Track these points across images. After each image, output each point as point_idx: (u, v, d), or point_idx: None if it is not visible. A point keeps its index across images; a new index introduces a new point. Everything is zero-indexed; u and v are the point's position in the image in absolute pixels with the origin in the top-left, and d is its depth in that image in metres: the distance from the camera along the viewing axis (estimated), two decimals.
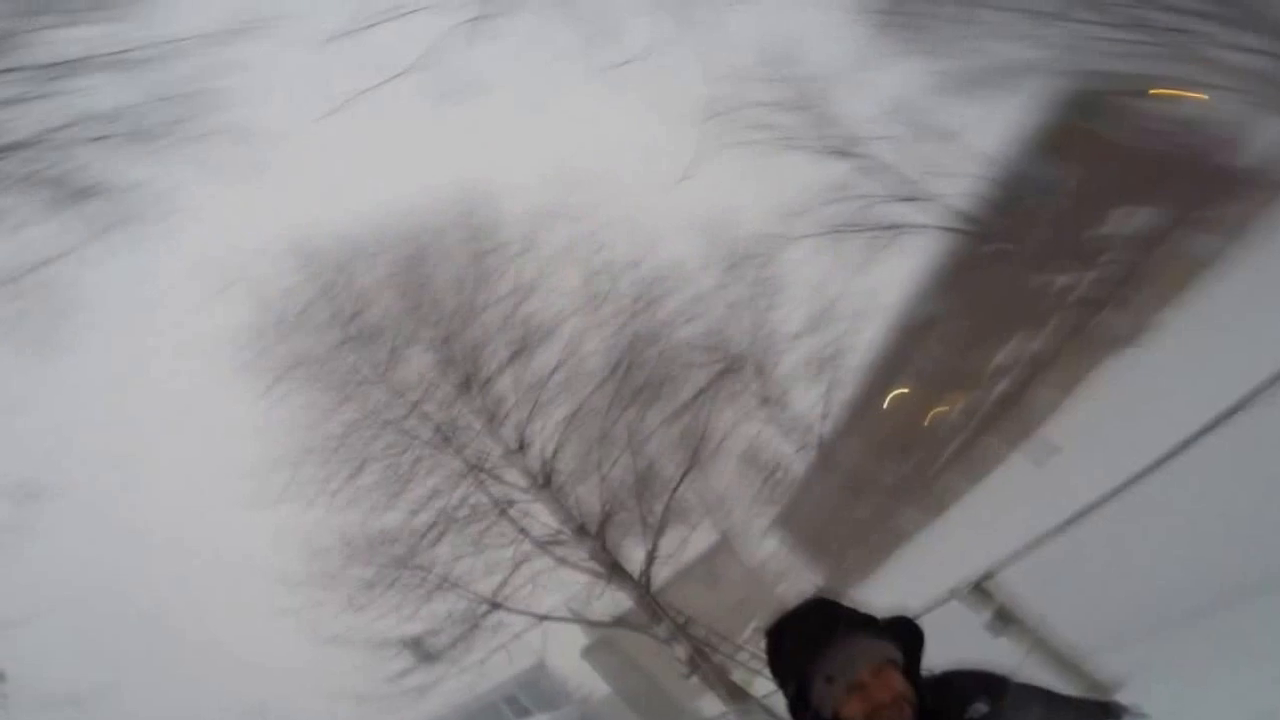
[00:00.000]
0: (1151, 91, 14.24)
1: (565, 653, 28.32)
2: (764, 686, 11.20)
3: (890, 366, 20.61)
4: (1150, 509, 3.94)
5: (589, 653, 26.28)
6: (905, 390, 20.84)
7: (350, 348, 12.52)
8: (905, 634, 1.20)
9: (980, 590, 4.60)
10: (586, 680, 30.45)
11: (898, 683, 1.11)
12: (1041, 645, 4.06)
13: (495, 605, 12.38)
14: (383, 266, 12.90)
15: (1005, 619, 4.18)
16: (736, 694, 11.57)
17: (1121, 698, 1.31)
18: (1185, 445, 3.54)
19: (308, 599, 11.67)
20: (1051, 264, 17.71)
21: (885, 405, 21.41)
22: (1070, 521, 4.33)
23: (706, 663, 12.07)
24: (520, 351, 12.86)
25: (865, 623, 1.17)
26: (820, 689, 1.11)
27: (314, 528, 12.00)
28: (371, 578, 11.96)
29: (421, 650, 12.36)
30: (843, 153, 19.32)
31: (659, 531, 13.40)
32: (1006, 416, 16.34)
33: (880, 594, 16.74)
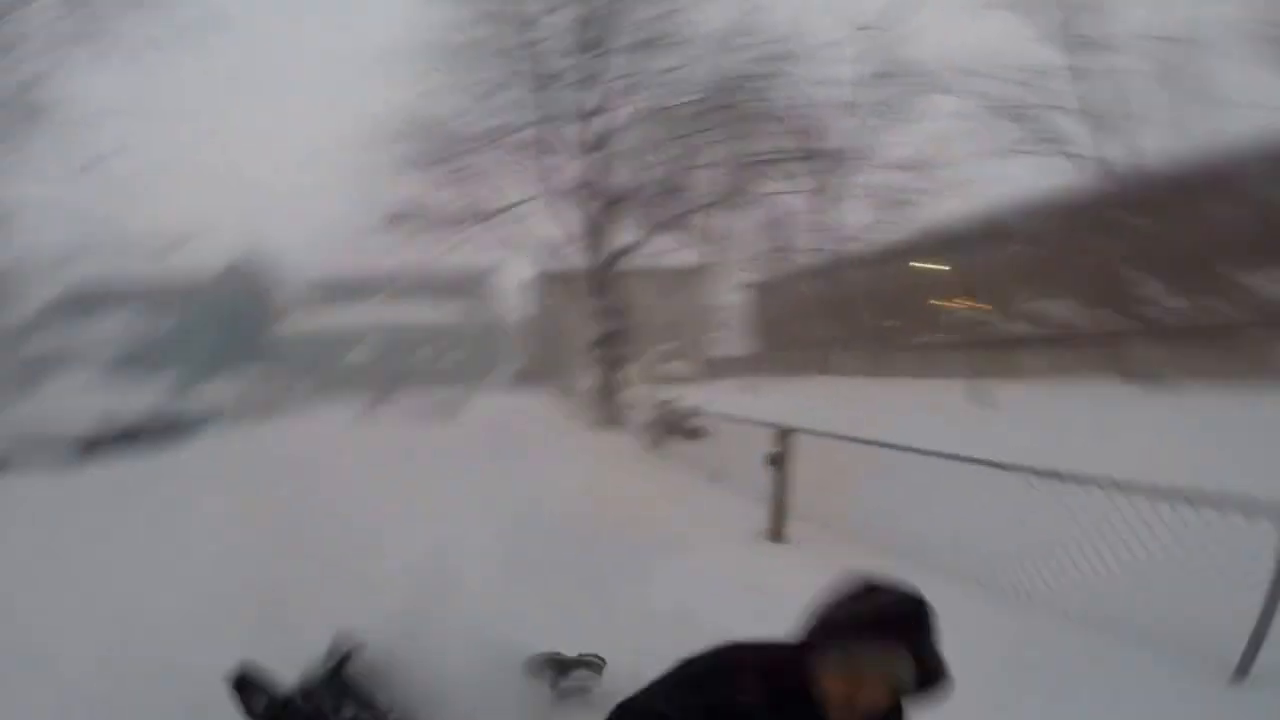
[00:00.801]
0: None
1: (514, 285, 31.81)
2: (635, 395, 13.40)
3: (939, 244, 20.16)
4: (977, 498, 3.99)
5: (536, 278, 28.79)
6: (935, 269, 20.73)
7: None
8: (935, 682, 1.12)
9: (786, 433, 5.82)
10: (516, 306, 34.85)
11: (884, 703, 1.09)
12: (778, 495, 5.45)
13: (493, 211, 14.71)
14: None
15: (776, 462, 5.54)
16: (625, 378, 14.16)
17: None
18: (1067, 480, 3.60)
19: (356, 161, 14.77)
20: (1151, 270, 16.51)
21: (908, 270, 21.45)
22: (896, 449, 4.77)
23: (615, 344, 14.33)
24: (642, 45, 13.86)
25: (931, 647, 1.11)
26: (834, 657, 1.08)
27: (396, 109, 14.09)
28: (413, 155, 14.20)
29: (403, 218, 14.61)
30: (1065, 49, 16.57)
31: (654, 229, 14.84)
32: (985, 350, 16.94)
33: (759, 397, 18.42)
